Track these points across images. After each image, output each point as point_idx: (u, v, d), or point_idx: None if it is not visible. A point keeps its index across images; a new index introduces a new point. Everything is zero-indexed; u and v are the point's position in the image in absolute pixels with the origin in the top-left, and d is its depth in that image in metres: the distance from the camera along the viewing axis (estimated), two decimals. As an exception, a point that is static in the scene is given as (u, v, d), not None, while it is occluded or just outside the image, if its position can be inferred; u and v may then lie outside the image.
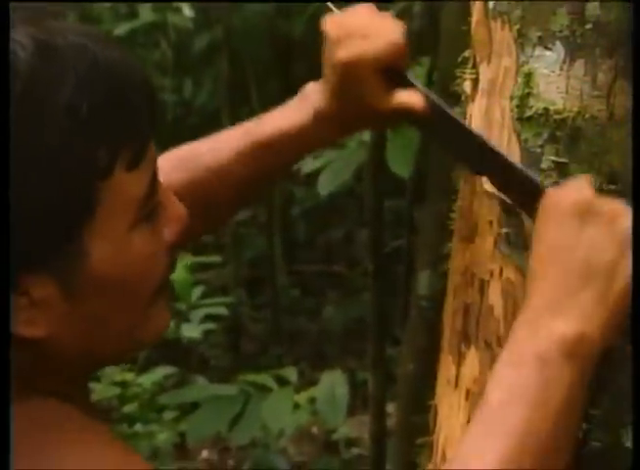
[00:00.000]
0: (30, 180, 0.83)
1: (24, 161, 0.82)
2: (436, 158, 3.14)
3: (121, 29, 4.44)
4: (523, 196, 1.07)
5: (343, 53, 1.10)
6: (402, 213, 4.19)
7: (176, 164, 1.21)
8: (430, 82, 3.33)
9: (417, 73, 3.57)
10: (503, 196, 1.11)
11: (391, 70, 1.13)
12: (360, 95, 1.12)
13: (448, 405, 1.24)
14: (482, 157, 1.10)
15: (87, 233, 0.88)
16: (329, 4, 1.20)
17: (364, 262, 4.73)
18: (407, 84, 1.13)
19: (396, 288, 3.81)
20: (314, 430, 4.07)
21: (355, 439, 4.05)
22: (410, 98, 1.11)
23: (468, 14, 1.29)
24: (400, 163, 3.23)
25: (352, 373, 3.88)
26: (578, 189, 0.97)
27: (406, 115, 1.13)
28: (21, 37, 0.84)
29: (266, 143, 1.18)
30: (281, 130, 1.17)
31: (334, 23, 1.14)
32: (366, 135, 3.38)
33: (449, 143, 1.17)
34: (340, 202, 4.97)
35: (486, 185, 1.14)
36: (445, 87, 2.77)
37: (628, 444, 1.14)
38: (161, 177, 1.00)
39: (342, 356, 4.29)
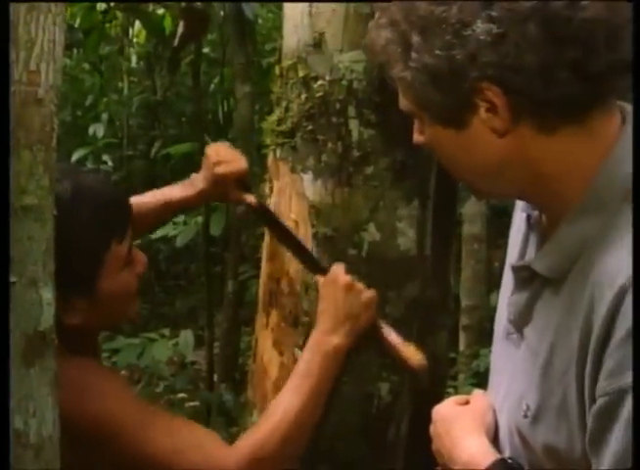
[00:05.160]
0: (72, 255, 1.31)
1: (68, 244, 1.21)
2: (234, 225, 4.31)
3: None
4: (312, 268, 1.55)
5: (220, 169, 1.67)
6: (220, 255, 5.36)
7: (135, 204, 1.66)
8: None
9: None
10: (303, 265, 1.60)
11: (240, 181, 1.69)
12: (224, 190, 1.73)
13: (263, 337, 1.72)
14: (289, 241, 1.57)
15: (100, 276, 1.44)
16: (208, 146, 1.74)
17: (197, 280, 6.26)
18: (247, 190, 1.70)
19: (216, 289, 4.86)
20: (175, 358, 5.13)
21: (196, 362, 5.26)
22: (248, 197, 1.71)
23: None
24: (216, 228, 4.52)
25: (195, 331, 4.55)
26: (341, 273, 1.47)
27: (246, 205, 1.67)
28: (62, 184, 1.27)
29: (170, 203, 1.77)
30: (178, 197, 1.75)
31: (212, 150, 1.73)
32: (199, 218, 4.56)
33: (270, 227, 1.66)
34: (181, 252, 6.05)
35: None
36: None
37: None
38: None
39: (189, 324, 5.21)
